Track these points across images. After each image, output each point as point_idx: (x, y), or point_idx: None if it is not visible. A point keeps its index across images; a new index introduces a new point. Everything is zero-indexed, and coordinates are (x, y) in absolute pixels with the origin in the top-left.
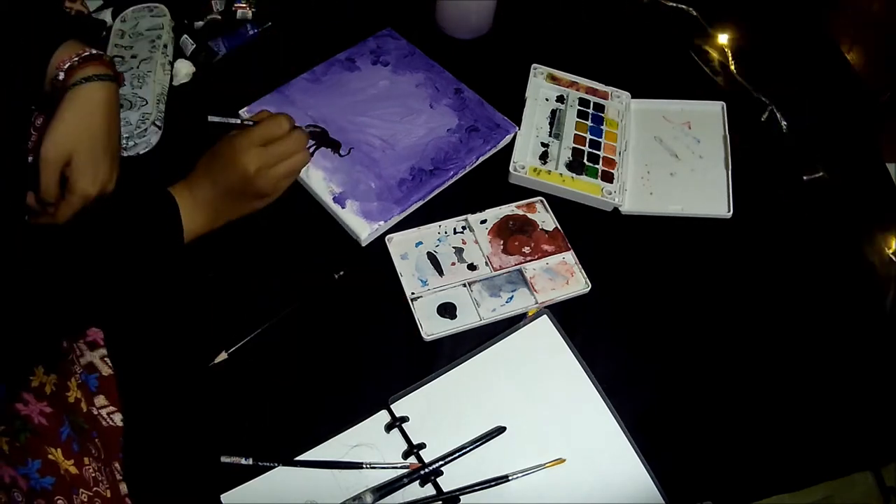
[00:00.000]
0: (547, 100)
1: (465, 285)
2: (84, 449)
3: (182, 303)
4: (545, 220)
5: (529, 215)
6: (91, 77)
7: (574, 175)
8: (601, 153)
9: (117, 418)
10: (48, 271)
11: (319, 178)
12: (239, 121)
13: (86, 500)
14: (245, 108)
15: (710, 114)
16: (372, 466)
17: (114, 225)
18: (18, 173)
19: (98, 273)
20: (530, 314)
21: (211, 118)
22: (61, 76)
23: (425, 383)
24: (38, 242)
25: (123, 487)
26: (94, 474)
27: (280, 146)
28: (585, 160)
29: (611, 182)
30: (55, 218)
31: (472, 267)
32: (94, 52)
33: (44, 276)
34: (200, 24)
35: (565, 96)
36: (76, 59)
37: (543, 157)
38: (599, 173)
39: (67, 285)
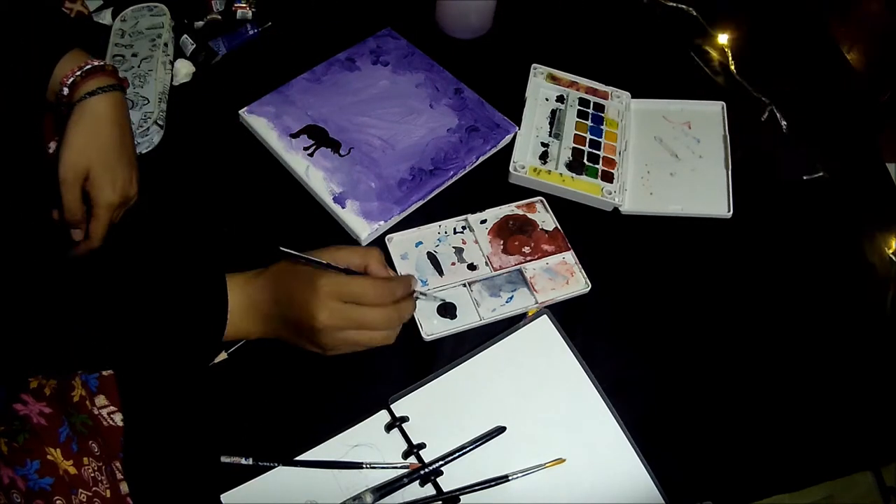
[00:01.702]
0: (547, 100)
1: (465, 285)
2: (84, 449)
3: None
4: (545, 220)
5: (529, 215)
6: (95, 91)
7: (574, 175)
8: (601, 153)
9: (118, 418)
10: (75, 304)
11: (319, 178)
12: (324, 263)
13: (85, 500)
14: (245, 109)
15: (710, 114)
16: (372, 466)
17: (156, 291)
18: (37, 176)
19: (118, 327)
20: (530, 314)
21: (283, 249)
22: (66, 91)
23: (425, 383)
24: (76, 273)
25: (124, 487)
26: (93, 474)
27: (365, 313)
28: (585, 160)
29: (611, 182)
30: (91, 240)
31: (472, 267)
32: (96, 63)
33: (68, 307)
34: (200, 24)
35: (565, 96)
36: (79, 73)
37: (543, 157)
38: (599, 173)
39: (87, 323)
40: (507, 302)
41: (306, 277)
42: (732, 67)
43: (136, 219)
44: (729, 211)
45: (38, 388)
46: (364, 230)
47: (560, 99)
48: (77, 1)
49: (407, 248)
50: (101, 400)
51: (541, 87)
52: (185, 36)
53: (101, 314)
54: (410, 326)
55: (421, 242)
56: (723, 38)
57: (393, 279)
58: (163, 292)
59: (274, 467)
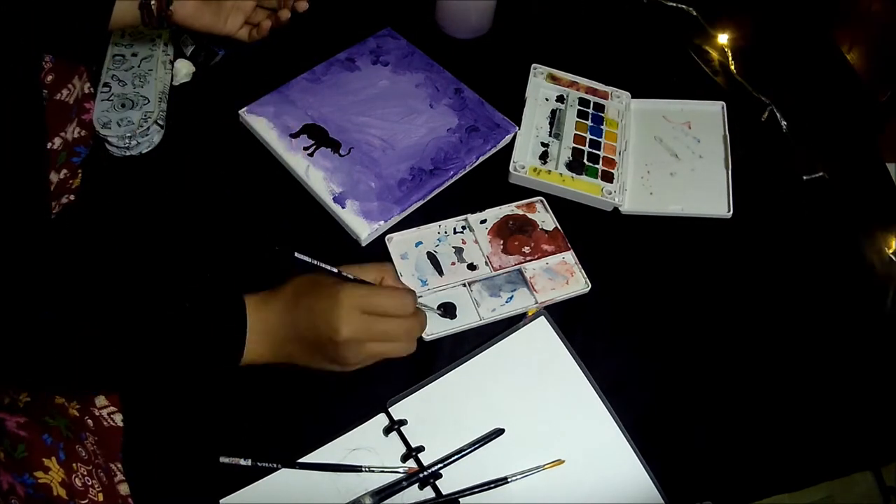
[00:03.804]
0: (547, 100)
1: (465, 285)
2: (71, 454)
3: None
4: (545, 219)
5: (529, 215)
6: None
7: (574, 175)
8: (601, 153)
9: (118, 418)
10: (80, 323)
11: (319, 178)
12: (339, 272)
13: None
14: (245, 108)
15: (710, 114)
16: (370, 470)
17: (172, 315)
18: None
19: (130, 350)
20: (530, 314)
21: (298, 256)
22: None
23: (423, 386)
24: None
25: (123, 488)
26: (83, 480)
27: (387, 324)
28: (585, 160)
29: (611, 182)
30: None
31: (471, 267)
32: None
33: (73, 326)
34: None
35: (565, 96)
36: None
37: (543, 156)
38: (599, 173)
39: (94, 346)
40: (506, 302)
41: (328, 291)
42: (732, 67)
43: (137, 218)
44: (729, 211)
45: (12, 402)
46: (364, 230)
47: (560, 99)
48: None
49: (407, 248)
50: (101, 400)
51: (541, 87)
52: (185, 36)
53: (115, 341)
54: None
55: (421, 242)
56: (723, 38)
57: (408, 290)
58: (179, 317)
59: (273, 468)
